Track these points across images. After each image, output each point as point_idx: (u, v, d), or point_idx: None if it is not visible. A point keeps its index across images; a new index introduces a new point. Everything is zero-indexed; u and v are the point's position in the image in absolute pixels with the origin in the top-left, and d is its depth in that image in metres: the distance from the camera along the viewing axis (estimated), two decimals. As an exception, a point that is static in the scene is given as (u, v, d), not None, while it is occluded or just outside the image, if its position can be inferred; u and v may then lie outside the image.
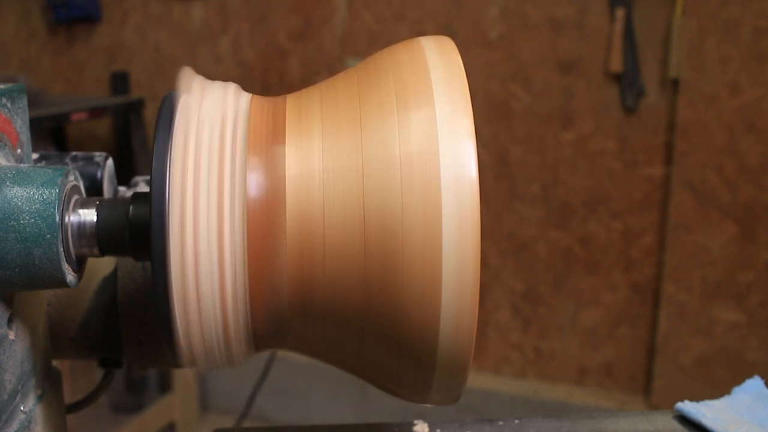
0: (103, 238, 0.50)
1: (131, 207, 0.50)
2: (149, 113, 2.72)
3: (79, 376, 2.07)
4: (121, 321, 0.62)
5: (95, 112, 2.55)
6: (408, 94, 0.47)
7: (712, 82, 2.10)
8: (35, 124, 1.12)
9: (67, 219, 0.48)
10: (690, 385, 2.24)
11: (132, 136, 2.65)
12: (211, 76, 0.52)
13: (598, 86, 2.27)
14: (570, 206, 2.36)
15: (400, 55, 0.50)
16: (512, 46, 2.34)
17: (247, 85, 0.54)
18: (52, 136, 2.82)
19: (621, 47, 2.20)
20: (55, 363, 0.62)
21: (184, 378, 2.48)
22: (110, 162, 0.70)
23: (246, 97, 0.51)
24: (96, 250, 0.50)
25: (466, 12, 2.38)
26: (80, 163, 0.68)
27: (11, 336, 0.51)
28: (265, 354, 1.95)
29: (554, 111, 2.32)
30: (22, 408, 0.53)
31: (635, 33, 2.19)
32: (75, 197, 0.50)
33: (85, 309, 0.62)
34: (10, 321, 0.51)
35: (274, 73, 2.66)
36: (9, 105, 0.53)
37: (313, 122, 0.49)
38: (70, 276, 0.49)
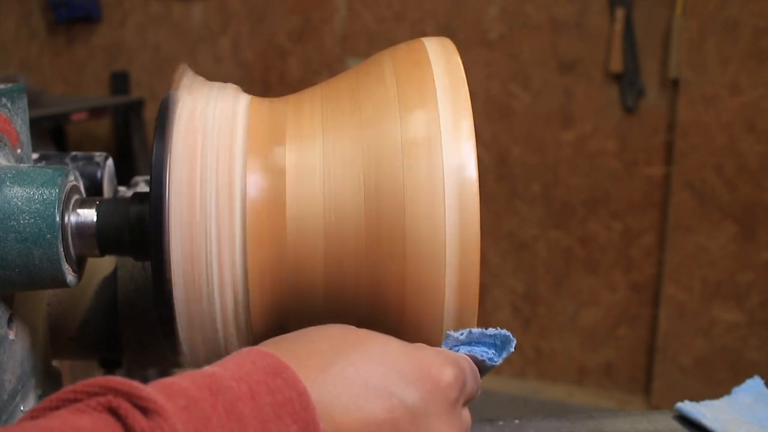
0: (103, 238, 0.50)
1: (131, 207, 0.50)
2: (149, 113, 2.72)
3: (79, 376, 2.07)
4: (121, 321, 0.62)
5: (95, 112, 2.55)
6: (409, 95, 0.47)
7: (712, 82, 2.10)
8: (35, 124, 1.12)
9: (67, 219, 0.48)
10: (690, 385, 2.24)
11: (132, 136, 2.65)
12: (211, 76, 0.52)
13: (598, 86, 2.27)
14: (570, 206, 2.36)
15: (402, 55, 0.50)
16: (512, 46, 2.34)
17: (247, 85, 0.55)
18: (52, 136, 2.82)
19: (621, 47, 2.20)
20: (55, 363, 0.62)
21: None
22: (110, 162, 0.70)
23: (245, 97, 0.51)
24: (96, 250, 0.50)
25: (466, 12, 2.38)
26: (80, 163, 0.68)
27: (11, 336, 0.51)
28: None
29: (554, 111, 2.32)
30: (22, 408, 0.53)
31: (635, 33, 2.19)
32: (75, 197, 0.50)
33: (85, 309, 0.62)
34: (10, 321, 0.51)
35: (274, 73, 2.66)
36: (9, 105, 0.53)
37: (313, 122, 0.49)
38: (70, 276, 0.49)
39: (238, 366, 0.37)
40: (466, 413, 0.44)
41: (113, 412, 0.32)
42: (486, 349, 0.47)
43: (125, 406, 0.32)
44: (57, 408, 0.33)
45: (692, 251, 2.21)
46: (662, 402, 2.27)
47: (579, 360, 2.44)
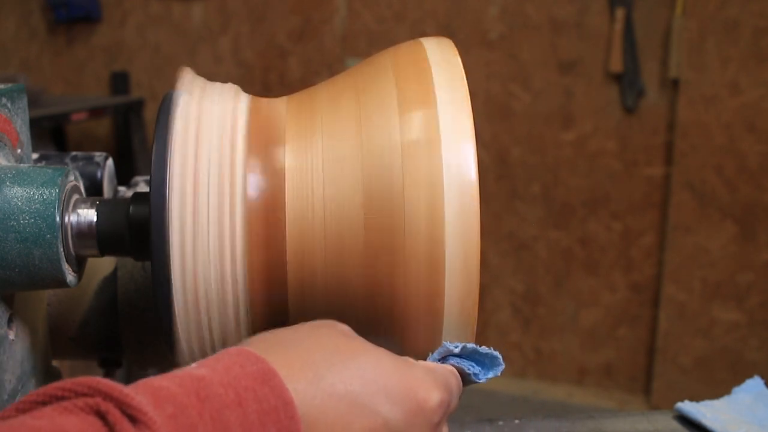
0: (103, 238, 0.50)
1: (131, 207, 0.50)
2: (149, 113, 2.72)
3: (79, 376, 2.07)
4: (121, 321, 0.62)
5: (95, 112, 2.55)
6: (409, 95, 0.47)
7: (712, 82, 2.10)
8: (35, 124, 1.12)
9: (67, 219, 0.48)
10: (690, 385, 2.24)
11: (132, 136, 2.65)
12: (211, 76, 0.52)
13: (598, 86, 2.27)
14: (570, 206, 2.36)
15: (401, 56, 0.50)
16: (512, 46, 2.34)
17: (247, 85, 0.54)
18: (52, 136, 2.82)
19: (621, 47, 2.20)
20: (55, 363, 0.62)
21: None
22: (110, 162, 0.70)
23: (245, 97, 0.51)
24: (96, 250, 0.50)
25: (466, 12, 2.38)
26: (80, 163, 0.68)
27: (11, 336, 0.51)
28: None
29: (554, 111, 2.32)
30: (22, 408, 0.53)
31: (635, 33, 2.19)
32: (75, 197, 0.50)
33: (85, 309, 0.62)
34: (10, 321, 0.51)
35: (274, 73, 2.66)
36: (9, 105, 0.53)
37: (312, 122, 0.49)
38: (70, 276, 0.49)
39: (227, 369, 0.37)
40: (445, 429, 0.44)
41: (101, 416, 0.32)
42: (474, 365, 0.47)
43: (114, 413, 0.31)
44: (44, 403, 0.33)
45: (692, 251, 2.21)
46: (662, 402, 2.27)
47: (579, 360, 2.44)
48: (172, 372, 0.37)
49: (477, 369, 0.47)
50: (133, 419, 0.32)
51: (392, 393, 0.40)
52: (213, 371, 0.37)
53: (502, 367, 0.48)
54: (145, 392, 0.34)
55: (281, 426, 0.36)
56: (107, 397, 0.32)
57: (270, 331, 0.43)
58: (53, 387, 0.33)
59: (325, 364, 0.40)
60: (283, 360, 0.39)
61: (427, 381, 0.42)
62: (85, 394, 0.33)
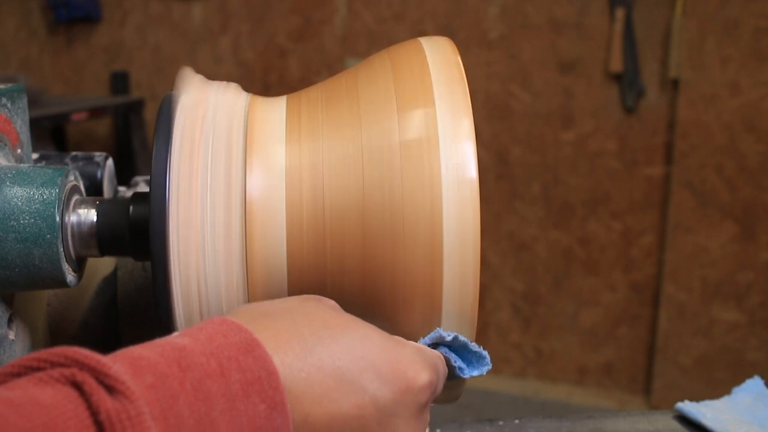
0: (103, 238, 0.50)
1: (131, 207, 0.50)
2: (149, 113, 2.72)
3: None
4: (121, 321, 0.62)
5: (95, 112, 2.55)
6: (408, 94, 0.47)
7: (712, 82, 2.10)
8: (35, 124, 1.12)
9: (67, 219, 0.48)
10: (690, 385, 2.24)
11: (132, 136, 2.65)
12: (211, 76, 0.53)
13: (598, 86, 2.27)
14: (570, 206, 2.36)
15: (401, 55, 0.50)
16: (512, 46, 2.34)
17: (247, 85, 0.55)
18: (52, 136, 2.82)
19: (621, 47, 2.20)
20: (55, 363, 0.62)
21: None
22: (110, 162, 0.70)
23: (245, 96, 0.51)
24: (96, 250, 0.50)
25: (466, 12, 2.38)
26: (80, 163, 0.68)
27: (11, 336, 0.51)
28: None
29: (554, 111, 2.32)
30: (22, 408, 0.53)
31: (635, 33, 2.19)
32: (75, 197, 0.50)
33: (85, 309, 0.62)
34: (10, 321, 0.51)
35: (274, 73, 2.66)
36: (9, 105, 0.53)
37: (312, 121, 0.49)
38: (70, 276, 0.49)
39: (210, 339, 0.36)
40: (427, 413, 0.44)
41: (77, 386, 0.30)
42: (461, 359, 0.47)
43: (90, 383, 0.30)
44: (19, 375, 0.31)
45: (692, 251, 2.21)
46: (662, 402, 2.27)
47: (579, 360, 2.44)
48: (153, 341, 0.36)
49: (462, 364, 0.47)
50: (111, 389, 0.30)
51: (381, 371, 0.40)
52: (195, 341, 0.36)
53: (489, 367, 0.48)
54: (123, 361, 0.32)
55: (265, 396, 0.35)
56: (83, 366, 0.31)
57: (255, 303, 0.42)
58: (28, 358, 0.32)
59: (313, 338, 0.39)
60: (269, 332, 0.38)
61: (417, 361, 0.42)
62: (60, 364, 0.31)
